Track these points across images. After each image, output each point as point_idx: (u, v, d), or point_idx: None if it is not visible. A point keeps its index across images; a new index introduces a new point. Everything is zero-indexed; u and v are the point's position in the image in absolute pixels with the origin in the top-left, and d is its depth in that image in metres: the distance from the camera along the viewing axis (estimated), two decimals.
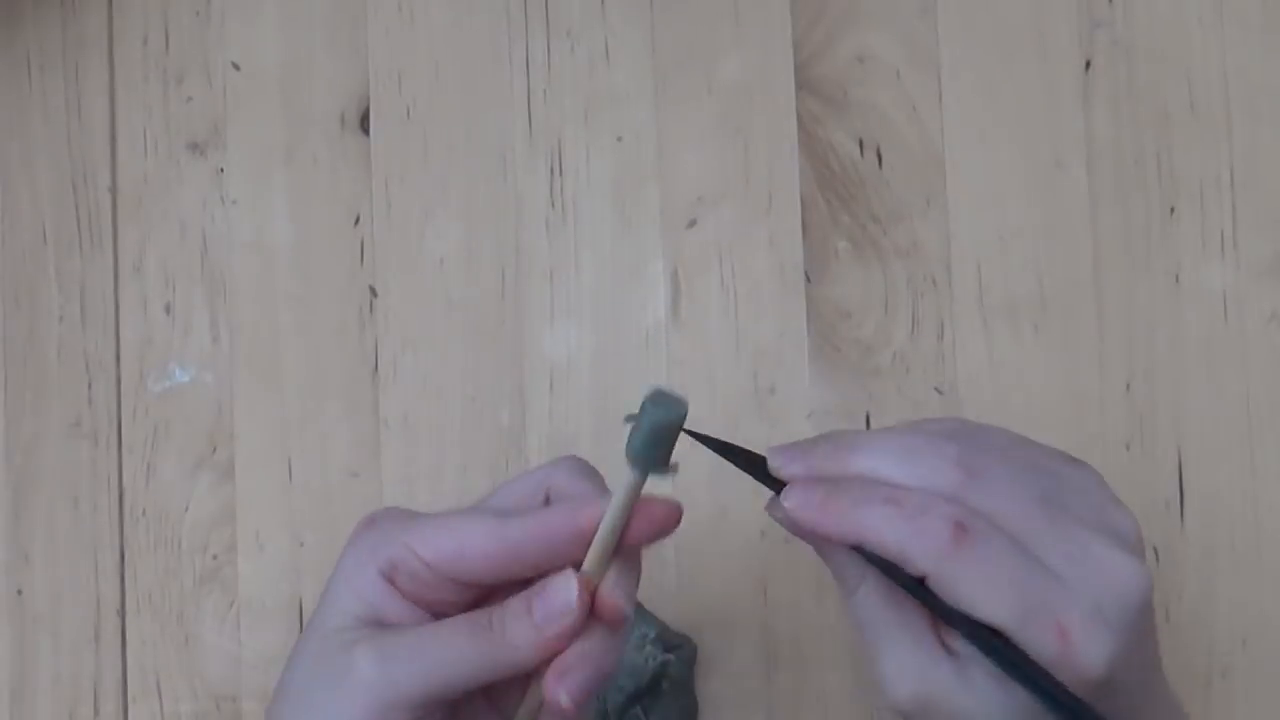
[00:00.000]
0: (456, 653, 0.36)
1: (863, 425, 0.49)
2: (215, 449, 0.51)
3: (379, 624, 0.37)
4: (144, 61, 0.52)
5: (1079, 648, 0.35)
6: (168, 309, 0.51)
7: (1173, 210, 0.50)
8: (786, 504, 0.37)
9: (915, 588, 0.36)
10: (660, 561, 0.50)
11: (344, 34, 0.52)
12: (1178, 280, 0.50)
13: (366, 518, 0.38)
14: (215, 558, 0.50)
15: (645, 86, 0.51)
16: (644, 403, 0.36)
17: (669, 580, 0.49)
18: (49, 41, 0.52)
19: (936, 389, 0.49)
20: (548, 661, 0.36)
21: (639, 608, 0.48)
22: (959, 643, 0.37)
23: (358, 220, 0.51)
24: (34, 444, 0.51)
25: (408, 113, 0.51)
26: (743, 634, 0.49)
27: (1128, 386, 0.49)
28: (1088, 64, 0.50)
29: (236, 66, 0.52)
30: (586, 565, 0.36)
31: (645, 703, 0.47)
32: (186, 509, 0.51)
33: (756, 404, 0.50)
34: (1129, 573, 0.37)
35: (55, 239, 0.52)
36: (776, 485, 0.39)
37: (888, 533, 0.35)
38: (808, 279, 0.50)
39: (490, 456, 0.50)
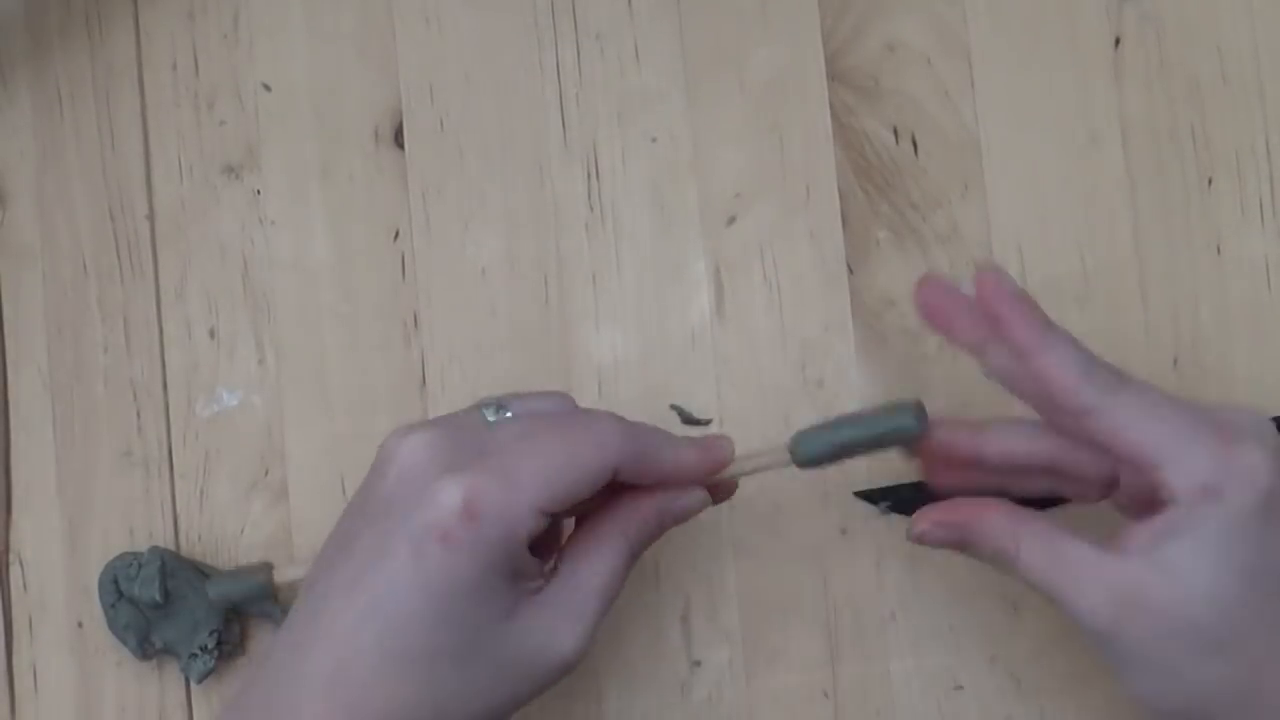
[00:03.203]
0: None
1: None
2: (268, 471, 0.51)
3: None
4: (174, 87, 0.52)
5: (1240, 447, 0.38)
6: (212, 333, 0.51)
7: (1210, 181, 0.50)
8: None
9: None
10: (717, 559, 0.50)
11: (373, 49, 0.52)
12: (1219, 251, 0.50)
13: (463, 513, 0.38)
14: None
15: (677, 85, 0.51)
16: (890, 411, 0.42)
17: (728, 577, 0.50)
18: (78, 71, 0.52)
19: (985, 373, 0.49)
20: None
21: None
22: (1134, 540, 0.39)
23: (397, 235, 0.51)
24: (86, 476, 0.51)
25: (441, 125, 0.51)
26: (805, 627, 0.49)
27: (1175, 360, 0.49)
28: (1117, 40, 0.51)
29: (267, 87, 0.52)
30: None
31: (153, 619, 0.49)
32: (242, 532, 0.51)
33: (806, 397, 0.50)
34: (1262, 419, 0.40)
35: (95, 269, 0.52)
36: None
37: (1071, 364, 0.40)
38: (850, 270, 0.50)
39: None
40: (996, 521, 0.41)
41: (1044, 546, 0.40)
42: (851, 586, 0.49)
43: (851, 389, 0.50)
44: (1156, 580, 0.38)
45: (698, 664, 0.50)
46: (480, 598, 0.38)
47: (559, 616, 0.40)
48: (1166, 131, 0.50)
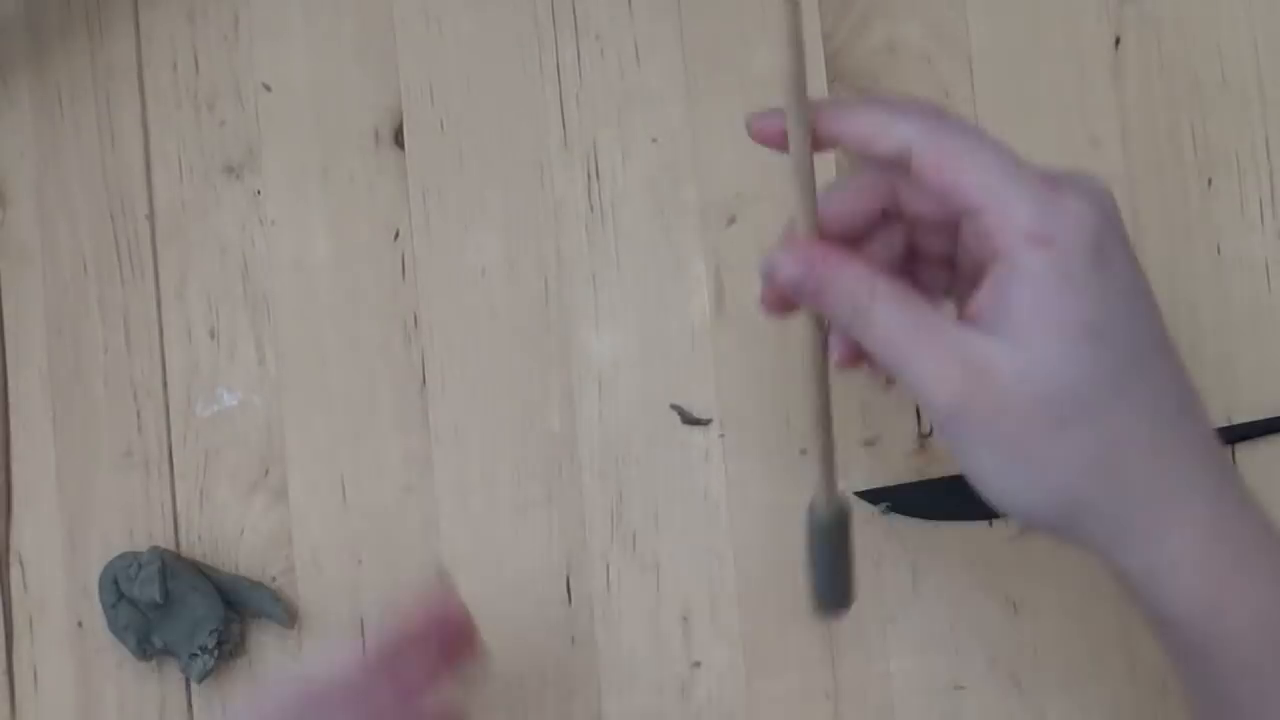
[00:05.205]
0: None
1: (912, 414, 0.50)
2: (267, 471, 0.51)
3: None
4: (175, 87, 0.52)
5: (1065, 194, 0.35)
6: (212, 333, 0.51)
7: (1210, 182, 0.50)
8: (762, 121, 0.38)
9: None
10: (718, 559, 0.50)
11: (373, 49, 0.52)
12: (1219, 251, 0.50)
13: None
14: (274, 580, 0.51)
15: (677, 85, 0.51)
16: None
17: (728, 577, 0.50)
18: (79, 72, 0.52)
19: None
20: None
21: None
22: (976, 305, 0.36)
23: (397, 235, 0.51)
24: (86, 476, 0.51)
25: (441, 125, 0.51)
26: (804, 628, 0.49)
27: None
28: (1117, 40, 0.51)
29: (268, 88, 0.52)
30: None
31: (153, 619, 0.48)
32: (242, 533, 0.51)
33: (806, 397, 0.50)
34: (1089, 177, 0.37)
35: (96, 270, 0.52)
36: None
37: (874, 111, 0.36)
38: None
39: (543, 463, 0.50)
40: (855, 271, 0.37)
41: (899, 307, 0.36)
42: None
43: (852, 389, 0.50)
44: (1001, 347, 0.35)
45: (697, 664, 0.50)
46: None
47: None
48: (1166, 131, 0.50)
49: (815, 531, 0.41)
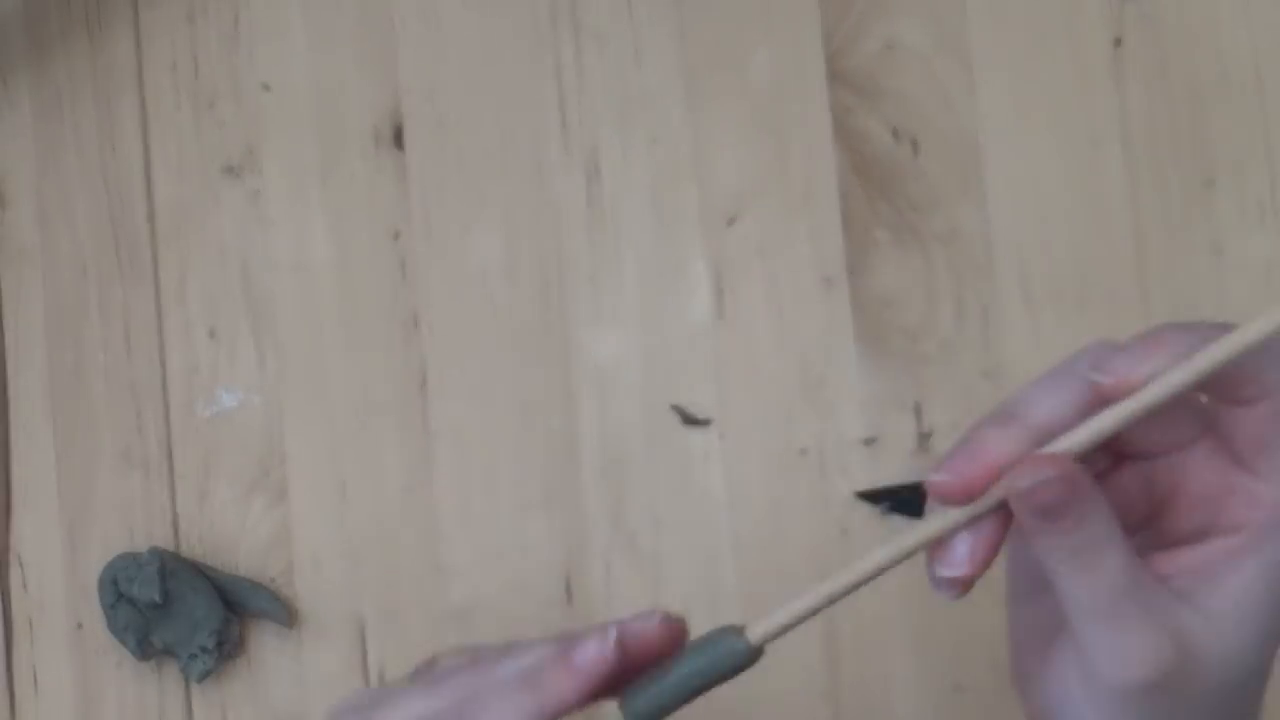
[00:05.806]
0: None
1: (912, 414, 0.49)
2: (267, 472, 0.51)
3: None
4: (174, 88, 0.52)
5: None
6: (212, 334, 0.51)
7: (1211, 182, 0.50)
8: (937, 477, 0.33)
9: None
10: (717, 560, 0.50)
11: (373, 50, 0.52)
12: (1219, 252, 0.50)
13: None
14: (273, 580, 0.51)
15: (677, 86, 0.51)
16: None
17: (727, 577, 0.50)
18: (79, 74, 0.52)
19: (984, 374, 0.49)
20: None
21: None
22: (1189, 562, 0.33)
23: (397, 235, 0.51)
24: (86, 476, 0.51)
25: (441, 125, 0.51)
26: (804, 628, 0.49)
27: None
28: (1118, 41, 0.51)
29: (267, 88, 0.52)
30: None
31: (152, 619, 0.49)
32: (242, 533, 0.51)
33: (805, 398, 0.50)
34: None
35: (96, 271, 0.52)
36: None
37: (1045, 386, 0.33)
38: (850, 270, 0.50)
39: (543, 463, 0.50)
40: (1106, 506, 0.32)
41: (1131, 559, 0.32)
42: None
43: (852, 389, 0.50)
44: (1207, 626, 0.32)
45: None
46: None
47: None
48: (1166, 132, 0.50)
49: (722, 658, 0.37)
